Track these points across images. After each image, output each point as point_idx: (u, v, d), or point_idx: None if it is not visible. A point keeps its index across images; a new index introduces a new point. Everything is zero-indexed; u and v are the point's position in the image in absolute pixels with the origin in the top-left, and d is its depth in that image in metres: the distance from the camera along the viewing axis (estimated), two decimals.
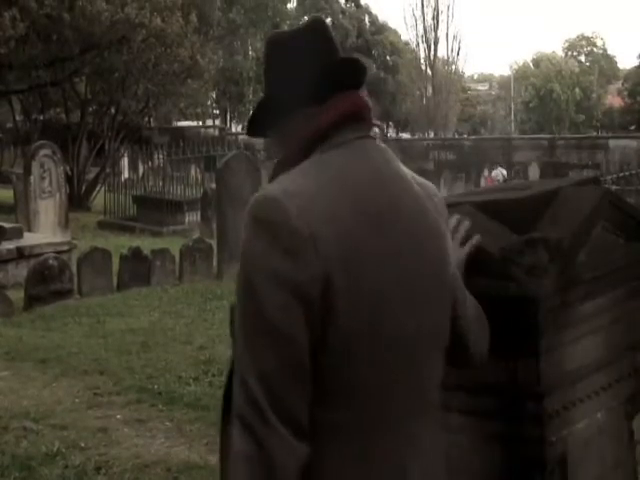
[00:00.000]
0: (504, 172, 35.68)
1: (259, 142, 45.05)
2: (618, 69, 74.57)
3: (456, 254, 2.07)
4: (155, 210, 19.97)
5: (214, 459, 5.49)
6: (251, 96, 50.73)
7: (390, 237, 1.72)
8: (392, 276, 1.70)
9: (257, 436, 1.59)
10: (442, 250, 1.83)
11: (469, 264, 2.22)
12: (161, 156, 24.18)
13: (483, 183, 34.95)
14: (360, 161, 1.77)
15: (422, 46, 60.45)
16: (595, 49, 74.50)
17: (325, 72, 1.81)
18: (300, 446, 1.61)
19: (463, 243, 2.21)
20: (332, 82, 1.82)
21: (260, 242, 1.67)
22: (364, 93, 1.87)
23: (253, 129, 1.96)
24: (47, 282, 10.79)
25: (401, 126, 68.15)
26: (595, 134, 53.37)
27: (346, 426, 1.67)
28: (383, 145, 1.84)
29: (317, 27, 1.88)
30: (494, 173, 35.53)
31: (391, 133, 68.54)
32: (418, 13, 60.38)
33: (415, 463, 1.76)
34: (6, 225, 12.98)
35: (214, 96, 49.67)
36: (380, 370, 1.69)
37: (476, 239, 2.23)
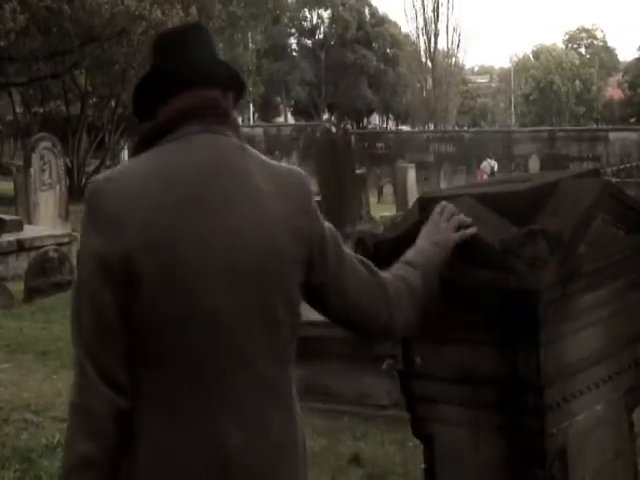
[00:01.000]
0: (492, 163, 35.75)
1: (259, 135, 45.06)
2: (618, 61, 74.45)
3: (444, 237, 2.29)
4: None
5: None
6: (251, 89, 50.72)
7: (196, 222, 1.87)
8: (200, 257, 1.86)
9: (80, 388, 1.86)
10: (275, 236, 1.94)
11: (467, 254, 2.22)
12: None
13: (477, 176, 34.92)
14: (185, 153, 1.94)
15: (422, 38, 60.36)
16: (595, 41, 74.35)
17: (176, 72, 2.02)
18: (115, 398, 1.84)
19: (457, 229, 2.31)
20: (181, 81, 2.02)
21: (84, 221, 1.92)
22: (216, 93, 2.03)
23: (135, 110, 2.14)
24: (47, 274, 10.80)
25: (401, 118, 68.11)
26: (595, 126, 53.38)
27: (160, 385, 1.88)
28: (225, 139, 1.98)
29: (189, 31, 2.09)
30: (483, 164, 35.62)
31: (391, 125, 68.57)
32: (418, 5, 60.26)
33: (235, 431, 1.89)
34: (6, 217, 13.00)
35: None
36: (187, 340, 1.86)
37: (470, 231, 2.31)
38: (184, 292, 1.85)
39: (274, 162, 2.08)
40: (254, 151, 2.05)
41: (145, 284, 1.84)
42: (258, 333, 1.93)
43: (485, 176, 34.29)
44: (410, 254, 2.29)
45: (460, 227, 2.33)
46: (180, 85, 2.01)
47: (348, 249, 2.14)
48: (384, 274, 2.18)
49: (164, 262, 1.84)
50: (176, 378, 1.88)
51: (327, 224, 2.09)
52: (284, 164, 2.12)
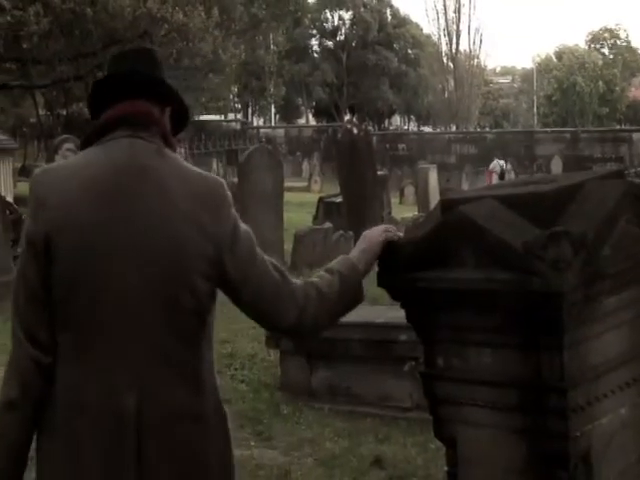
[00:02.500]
0: (501, 163, 35.68)
1: (280, 136, 45.10)
2: None
3: (370, 243, 2.54)
4: None
5: (237, 452, 5.52)
6: (272, 90, 50.79)
7: (106, 212, 2.20)
8: (104, 242, 2.18)
9: (13, 348, 2.25)
10: (179, 231, 2.21)
11: (490, 256, 2.21)
12: (183, 150, 24.26)
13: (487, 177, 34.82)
14: (106, 153, 2.28)
15: (444, 39, 60.38)
16: (618, 41, 73.98)
17: (117, 83, 2.36)
18: (38, 354, 2.21)
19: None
20: (119, 92, 2.34)
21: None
22: (147, 105, 2.34)
23: (89, 112, 2.47)
24: None
25: (423, 120, 68.02)
26: (618, 127, 53.09)
27: (71, 341, 2.22)
28: (145, 143, 2.28)
29: (140, 52, 2.49)
30: (492, 165, 35.54)
31: (412, 126, 68.47)
32: (440, 6, 60.27)
33: (131, 394, 2.18)
34: None
35: (236, 90, 49.74)
36: (93, 311, 2.19)
37: (395, 234, 2.58)
38: (89, 271, 2.18)
39: (192, 168, 2.35)
40: (174, 156, 2.34)
41: (59, 261, 2.18)
42: (159, 312, 2.20)
43: (495, 176, 34.20)
44: (333, 262, 2.53)
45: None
46: (118, 95, 2.34)
47: (264, 255, 2.36)
48: (296, 281, 2.40)
49: (73, 244, 2.18)
50: (82, 340, 2.21)
51: (243, 227, 2.33)
52: (203, 171, 2.38)
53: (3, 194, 11.79)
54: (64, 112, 34.78)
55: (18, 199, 16.77)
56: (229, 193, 2.35)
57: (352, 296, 2.49)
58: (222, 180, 2.38)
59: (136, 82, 2.36)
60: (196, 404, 2.26)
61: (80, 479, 2.21)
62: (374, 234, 2.58)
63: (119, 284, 2.18)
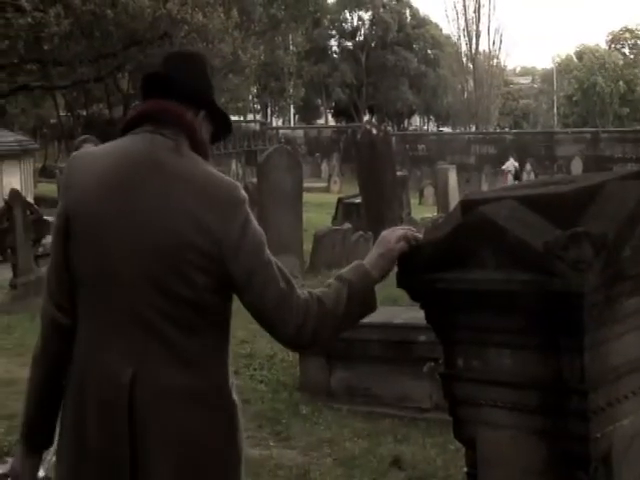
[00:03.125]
0: (516, 164, 35.58)
1: (300, 136, 45.12)
2: None
3: (388, 248, 2.53)
4: None
5: (256, 452, 5.53)
6: (292, 91, 50.80)
7: (112, 204, 2.37)
8: (106, 232, 2.37)
9: (40, 310, 2.54)
10: (178, 225, 2.33)
11: (510, 257, 2.20)
12: None
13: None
14: (125, 146, 2.46)
15: (463, 39, 60.15)
16: (639, 41, 73.58)
17: (144, 84, 2.54)
18: (60, 316, 2.46)
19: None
20: (146, 91, 2.54)
21: None
22: (175, 105, 2.47)
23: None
24: None
25: (442, 120, 67.90)
26: (639, 127, 52.80)
27: (84, 314, 2.44)
28: (164, 140, 2.41)
29: (189, 56, 2.63)
30: (506, 165, 35.44)
31: (432, 127, 68.36)
32: (459, 6, 60.06)
33: (125, 370, 2.33)
34: (50, 219, 13.07)
35: (255, 91, 49.79)
36: (96, 285, 2.40)
37: (412, 239, 2.55)
38: (95, 253, 2.38)
39: (208, 169, 2.45)
40: (191, 156, 2.44)
41: (72, 240, 2.42)
42: (156, 299, 2.34)
43: (510, 176, 34.10)
44: (347, 268, 2.57)
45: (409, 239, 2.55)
46: (151, 93, 2.52)
47: (275, 261, 2.42)
48: (302, 292, 2.42)
49: (82, 229, 2.39)
50: (91, 313, 2.42)
51: (255, 231, 2.40)
52: (219, 174, 2.48)
53: (24, 194, 11.83)
54: (84, 113, 34.93)
55: (39, 199, 16.88)
56: (243, 196, 2.43)
57: (361, 307, 2.51)
58: (237, 184, 2.47)
59: (167, 83, 2.51)
60: (191, 386, 2.36)
61: (80, 444, 2.39)
62: (392, 238, 2.56)
63: (120, 270, 2.36)
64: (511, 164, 35.40)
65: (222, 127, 2.63)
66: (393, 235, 2.57)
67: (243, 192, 2.45)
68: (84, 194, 2.40)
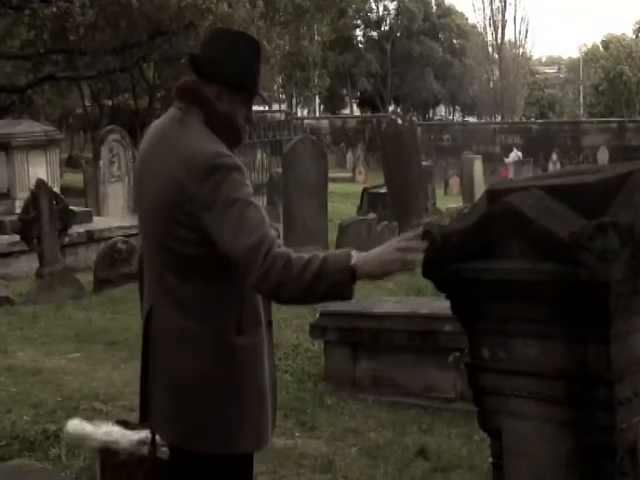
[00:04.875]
0: (519, 154, 35.37)
1: (325, 126, 45.05)
2: None
3: (389, 257, 2.56)
4: None
5: (281, 442, 5.54)
6: (317, 81, 50.71)
7: (140, 168, 2.91)
8: (138, 190, 2.99)
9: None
10: (166, 187, 2.71)
11: (536, 247, 2.19)
12: None
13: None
14: (162, 119, 2.92)
15: (489, 29, 59.87)
16: None
17: (191, 60, 2.89)
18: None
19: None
20: (190, 67, 2.88)
21: None
22: (196, 80, 2.85)
23: None
24: (116, 265, 10.92)
25: (468, 110, 67.57)
26: None
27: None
28: (177, 112, 2.83)
29: (209, 34, 3.07)
30: (511, 156, 35.23)
31: (457, 117, 68.08)
32: None
33: (146, 310, 2.88)
34: (76, 209, 13.18)
35: (280, 81, 49.76)
36: (142, 231, 2.95)
37: (399, 257, 2.54)
38: (139, 207, 2.96)
39: (197, 139, 2.74)
40: (191, 126, 2.77)
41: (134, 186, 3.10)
42: (159, 251, 2.79)
43: (511, 169, 33.85)
44: (329, 252, 2.73)
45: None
46: (191, 69, 2.88)
47: (251, 218, 2.62)
48: (278, 249, 2.60)
49: (134, 188, 3.11)
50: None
51: (230, 191, 2.63)
52: (205, 143, 2.73)
53: (50, 184, 11.85)
54: (110, 103, 35.01)
55: (65, 189, 16.95)
56: (225, 163, 2.67)
57: (330, 287, 2.57)
58: (222, 153, 2.71)
59: (195, 62, 2.87)
60: (185, 327, 2.76)
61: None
62: (393, 251, 2.57)
63: (141, 227, 2.94)
64: (515, 155, 35.26)
65: (245, 93, 2.89)
66: (395, 253, 2.57)
67: (227, 160, 2.69)
68: (137, 160, 3.00)
